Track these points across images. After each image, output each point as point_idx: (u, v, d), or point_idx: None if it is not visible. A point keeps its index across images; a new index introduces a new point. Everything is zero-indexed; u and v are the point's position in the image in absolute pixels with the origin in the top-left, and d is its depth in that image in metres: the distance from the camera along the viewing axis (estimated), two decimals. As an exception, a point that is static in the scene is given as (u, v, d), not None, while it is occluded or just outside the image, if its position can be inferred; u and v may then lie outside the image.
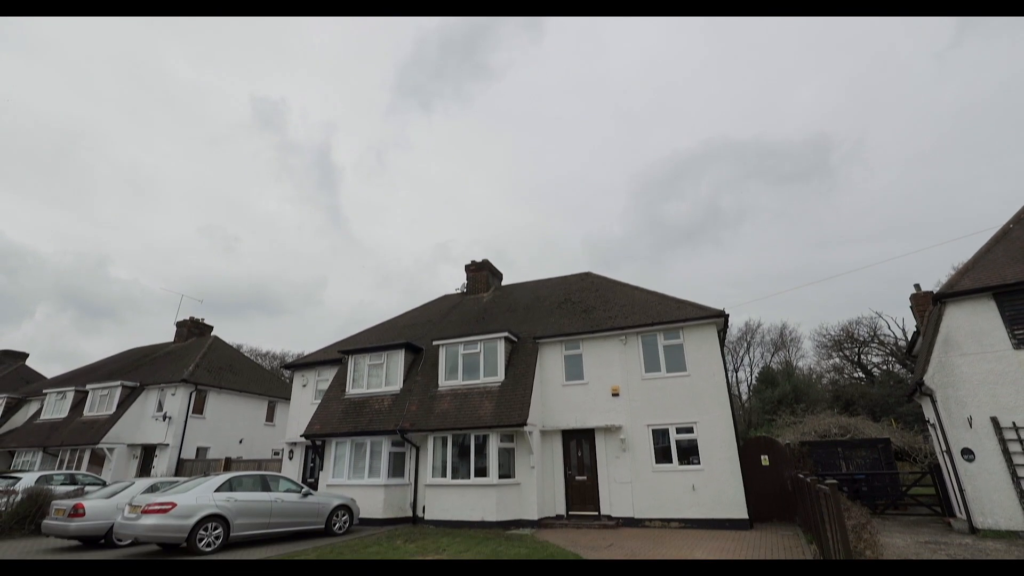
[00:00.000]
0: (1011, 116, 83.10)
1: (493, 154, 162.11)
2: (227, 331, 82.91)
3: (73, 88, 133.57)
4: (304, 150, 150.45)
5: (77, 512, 10.56)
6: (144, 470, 21.73)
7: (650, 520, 12.78)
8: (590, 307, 16.42)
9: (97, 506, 10.85)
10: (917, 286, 16.50)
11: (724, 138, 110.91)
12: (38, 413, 25.28)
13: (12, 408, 27.20)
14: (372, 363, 16.57)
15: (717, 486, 12.48)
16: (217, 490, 10.40)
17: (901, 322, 34.91)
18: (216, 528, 10.01)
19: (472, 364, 15.17)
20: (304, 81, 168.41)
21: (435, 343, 16.07)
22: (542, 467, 13.82)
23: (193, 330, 29.13)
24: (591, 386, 14.50)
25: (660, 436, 13.49)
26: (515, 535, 11.49)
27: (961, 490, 10.88)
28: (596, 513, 13.42)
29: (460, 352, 15.43)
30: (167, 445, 21.48)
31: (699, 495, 12.58)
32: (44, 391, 25.86)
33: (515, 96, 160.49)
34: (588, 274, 19.64)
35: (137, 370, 25.67)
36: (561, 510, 13.75)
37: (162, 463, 21.28)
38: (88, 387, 23.90)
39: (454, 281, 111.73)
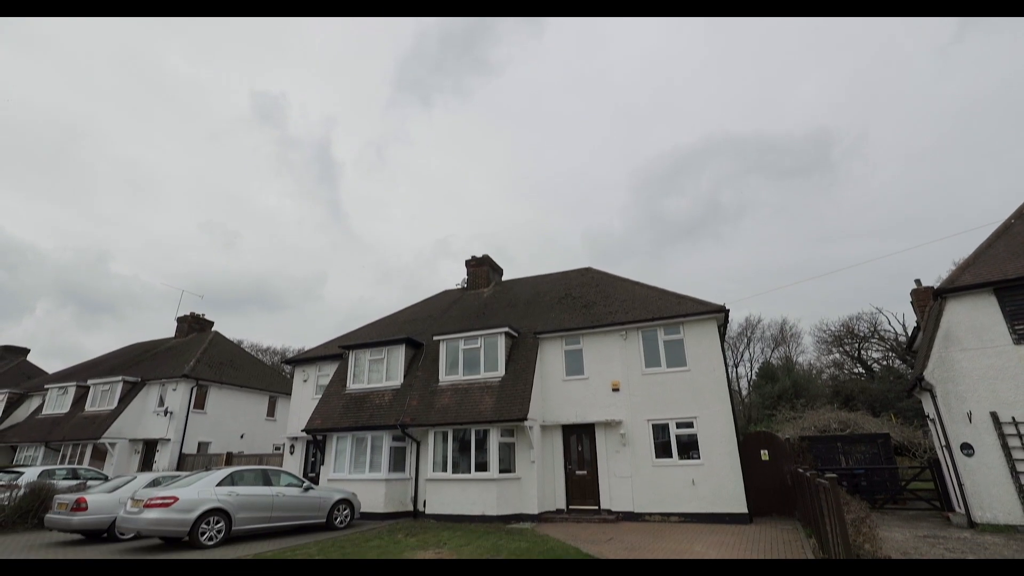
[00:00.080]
0: (1013, 112, 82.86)
1: (493, 150, 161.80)
2: (228, 327, 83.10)
3: (72, 84, 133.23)
4: (304, 145, 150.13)
5: (80, 506, 10.62)
6: (146, 465, 21.83)
7: (650, 514, 12.84)
8: (590, 302, 16.43)
9: (99, 500, 10.91)
10: (918, 281, 16.51)
11: (724, 133, 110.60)
12: (40, 408, 25.39)
13: (14, 403, 27.28)
14: (373, 358, 16.60)
15: (717, 481, 12.53)
16: (219, 484, 10.46)
17: (901, 318, 34.97)
18: (218, 522, 10.07)
19: (473, 359, 15.19)
20: (304, 75, 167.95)
21: (436, 338, 16.09)
22: (542, 462, 13.87)
23: (194, 325, 29.19)
24: (591, 381, 14.52)
25: (660, 431, 13.52)
26: (515, 529, 11.55)
27: (960, 485, 10.91)
28: (596, 507, 13.47)
29: (461, 347, 15.45)
30: (168, 440, 21.57)
31: (699, 489, 12.62)
32: (46, 386, 25.96)
33: (515, 91, 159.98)
34: (588, 269, 19.63)
35: (138, 365, 25.74)
36: (561, 504, 13.81)
37: (164, 458, 21.37)
38: (89, 382, 23.98)
39: (454, 276, 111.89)
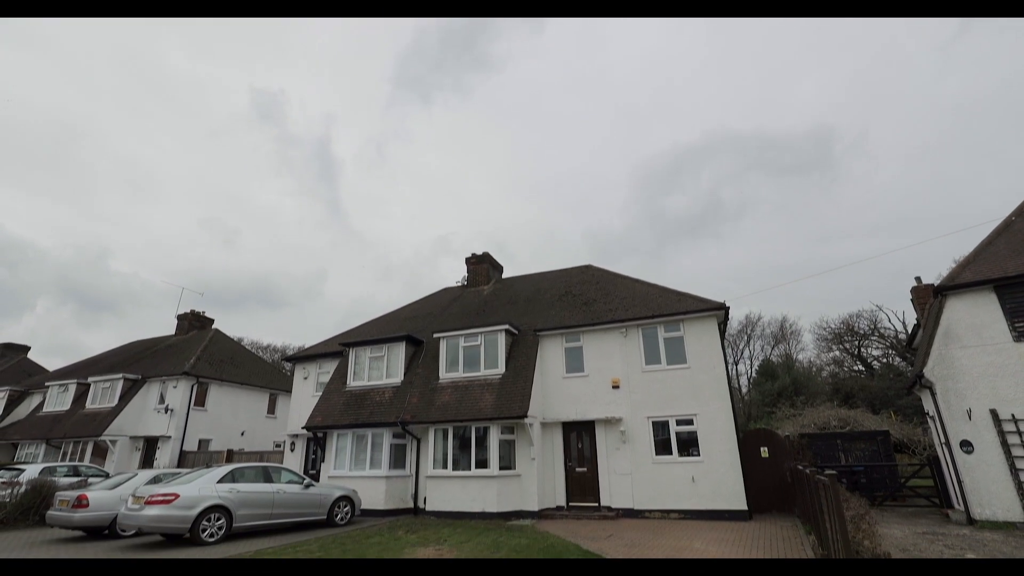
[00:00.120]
0: (1014, 110, 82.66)
1: (493, 147, 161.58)
2: (228, 324, 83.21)
3: (72, 82, 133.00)
4: (304, 143, 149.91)
5: (81, 503, 10.65)
6: (147, 462, 21.87)
7: (650, 511, 12.86)
8: (591, 300, 16.43)
9: (101, 497, 10.94)
10: (918, 279, 16.50)
11: (725, 130, 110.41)
12: (41, 406, 25.42)
13: (15, 401, 27.33)
14: (373, 355, 16.62)
15: (717, 478, 12.55)
16: (220, 481, 10.48)
17: (901, 315, 34.97)
18: (219, 519, 10.10)
19: (473, 356, 15.20)
20: (303, 73, 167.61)
21: (436, 335, 16.10)
22: (542, 459, 13.89)
23: (194, 323, 29.20)
24: (591, 378, 14.54)
25: (660, 428, 13.54)
26: (516, 526, 11.58)
27: (959, 482, 10.93)
28: (596, 504, 13.50)
29: (461, 344, 15.47)
30: (169, 437, 21.61)
31: (699, 487, 12.65)
32: (46, 384, 25.99)
33: (515, 89, 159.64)
34: (589, 267, 19.63)
35: (139, 363, 25.76)
36: (561, 501, 13.84)
37: (164, 455, 21.42)
38: (90, 380, 24.01)
39: (455, 274, 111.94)
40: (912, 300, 17.49)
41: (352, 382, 16.42)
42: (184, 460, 21.28)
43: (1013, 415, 10.63)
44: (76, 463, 18.17)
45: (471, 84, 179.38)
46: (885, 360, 36.06)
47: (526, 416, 13.13)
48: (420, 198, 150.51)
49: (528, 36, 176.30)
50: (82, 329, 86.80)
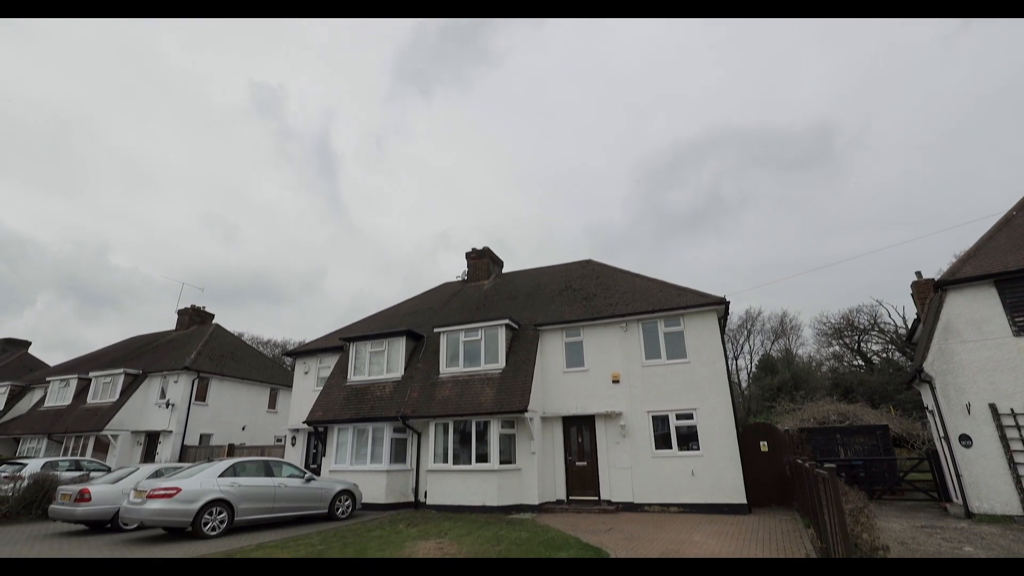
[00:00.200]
0: (1016, 103, 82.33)
1: (494, 141, 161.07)
2: (228, 319, 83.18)
3: (70, 76, 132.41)
4: (303, 137, 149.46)
5: (83, 497, 10.70)
6: (148, 456, 21.95)
7: (649, 505, 12.92)
8: (591, 294, 16.43)
9: (103, 491, 11.00)
10: (918, 273, 16.46)
11: (726, 124, 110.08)
12: (42, 400, 25.49)
13: (16, 396, 27.39)
14: (373, 350, 16.64)
15: (716, 471, 12.60)
16: (221, 475, 10.53)
17: (902, 310, 34.98)
18: (221, 512, 10.15)
19: (473, 351, 15.22)
20: (302, 66, 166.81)
21: (436, 330, 16.12)
22: (543, 453, 13.93)
23: (194, 318, 29.21)
24: (592, 373, 14.56)
25: (660, 422, 13.58)
26: (516, 519, 11.63)
27: (958, 476, 10.97)
28: (596, 498, 13.56)
29: (461, 339, 15.48)
30: (170, 432, 21.67)
31: (698, 480, 12.70)
32: (47, 379, 26.04)
33: (516, 82, 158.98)
34: (589, 261, 19.62)
35: (139, 358, 25.81)
36: (561, 495, 13.90)
37: (166, 450, 21.49)
38: (91, 375, 24.05)
39: (455, 269, 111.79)
40: (912, 295, 17.45)
41: (353, 377, 16.45)
42: (185, 455, 21.35)
43: (1012, 409, 10.65)
44: (78, 458, 18.24)
45: (471, 77, 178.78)
46: (885, 355, 36.09)
47: (526, 410, 13.16)
48: (420, 193, 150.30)
49: (529, 29, 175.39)
50: (83, 324, 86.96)
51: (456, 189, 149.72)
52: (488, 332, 15.23)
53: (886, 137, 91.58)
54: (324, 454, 15.48)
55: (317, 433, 15.80)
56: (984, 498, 10.54)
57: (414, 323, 18.24)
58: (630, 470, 13.37)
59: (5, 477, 13.87)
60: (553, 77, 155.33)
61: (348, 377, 16.50)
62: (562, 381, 14.81)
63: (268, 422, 25.92)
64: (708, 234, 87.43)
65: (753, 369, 42.07)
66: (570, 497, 13.85)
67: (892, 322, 35.68)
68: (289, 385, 22.41)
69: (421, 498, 14.32)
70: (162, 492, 9.69)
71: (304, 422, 16.04)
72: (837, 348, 39.79)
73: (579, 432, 14.33)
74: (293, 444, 18.00)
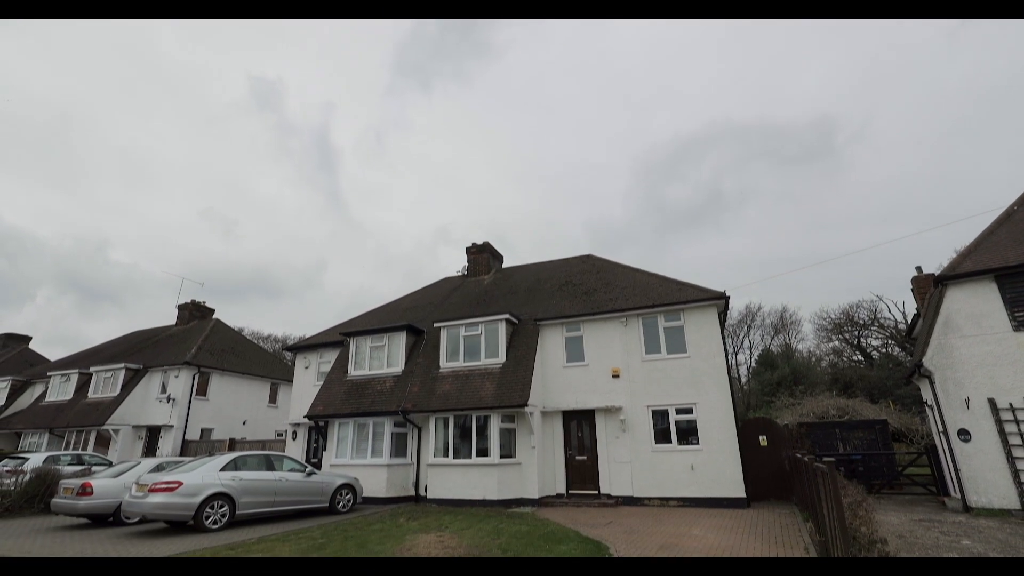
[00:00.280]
0: (1018, 99, 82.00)
1: (493, 136, 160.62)
2: (228, 314, 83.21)
3: (68, 71, 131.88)
4: (302, 131, 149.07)
5: (85, 491, 10.75)
6: (149, 451, 22.03)
7: (649, 499, 12.98)
8: (591, 289, 16.43)
9: (105, 485, 11.05)
10: (919, 268, 16.49)
11: (727, 119, 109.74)
12: (43, 395, 25.55)
13: (17, 390, 27.46)
14: (374, 345, 16.66)
15: (716, 466, 12.65)
16: (222, 469, 10.58)
17: (901, 305, 35.01)
18: (222, 506, 10.20)
19: (473, 346, 15.25)
20: (301, 60, 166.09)
21: (436, 325, 16.14)
22: (543, 447, 13.98)
23: (195, 313, 29.24)
24: (592, 367, 14.59)
25: (660, 417, 13.62)
26: (516, 513, 11.70)
27: (956, 470, 11.02)
28: (596, 492, 13.62)
29: (461, 334, 15.50)
30: (171, 426, 21.74)
31: (698, 474, 12.75)
32: (48, 374, 26.09)
33: (515, 77, 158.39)
34: (589, 256, 19.61)
35: (140, 353, 25.85)
36: (561, 489, 13.96)
37: (167, 444, 21.56)
38: (92, 369, 24.10)
39: (455, 264, 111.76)
40: (912, 290, 17.49)
41: (353, 371, 16.48)
42: (187, 449, 21.43)
43: (1011, 404, 10.68)
44: (79, 452, 18.30)
45: (471, 71, 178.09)
46: (884, 350, 36.14)
47: (526, 405, 13.20)
48: (420, 187, 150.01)
49: (529, 24, 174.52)
50: (83, 319, 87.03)
51: (456, 184, 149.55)
52: (488, 327, 15.25)
53: (887, 132, 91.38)
54: (325, 448, 15.54)
55: (318, 427, 15.84)
56: (982, 492, 10.58)
57: (414, 318, 18.26)
58: (630, 464, 13.42)
59: (7, 471, 13.93)
60: (553, 71, 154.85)
61: (348, 372, 16.53)
62: (562, 376, 14.84)
63: (269, 417, 26.00)
64: (708, 229, 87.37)
65: (753, 364, 42.14)
66: (570, 491, 13.91)
67: (892, 317, 35.75)
68: (290, 380, 22.45)
69: (422, 492, 14.39)
70: (164, 486, 9.73)
71: (305, 416, 16.09)
72: (837, 343, 39.86)
73: (579, 426, 14.38)
74: (294, 438, 18.06)
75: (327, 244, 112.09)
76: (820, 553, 6.69)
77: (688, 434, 13.23)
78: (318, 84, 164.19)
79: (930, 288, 14.97)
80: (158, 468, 11.83)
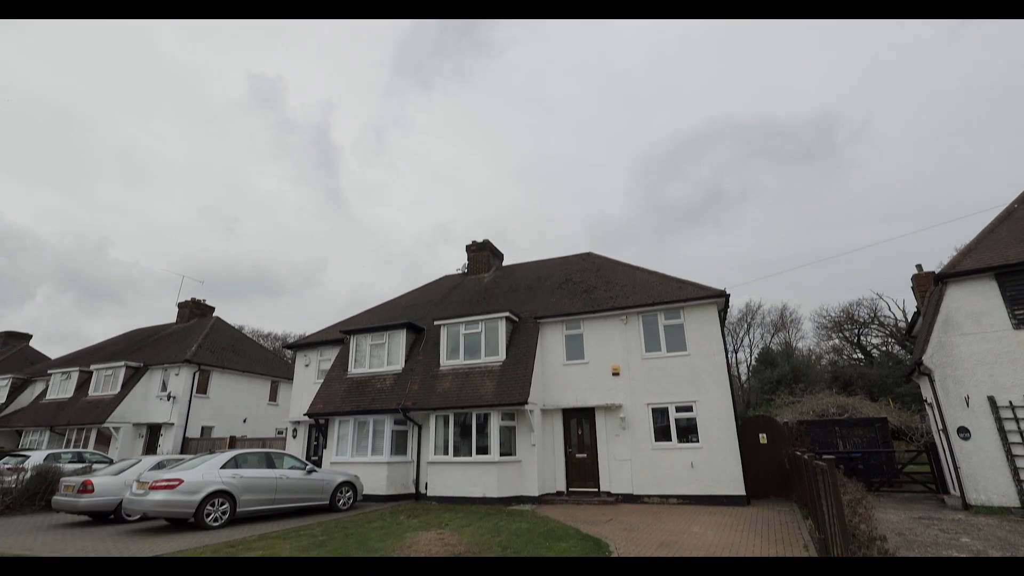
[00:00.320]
0: (1020, 98, 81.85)
1: (493, 135, 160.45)
2: (228, 312, 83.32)
3: (68, 70, 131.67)
4: (302, 129, 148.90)
5: (86, 488, 10.77)
6: (150, 449, 22.06)
7: (649, 496, 13.00)
8: (591, 287, 16.43)
9: (106, 483, 11.06)
10: (919, 266, 16.48)
11: (728, 117, 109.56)
12: (44, 393, 25.58)
13: (18, 388, 27.49)
14: (374, 343, 16.67)
15: (715, 464, 12.66)
16: (223, 467, 10.59)
17: (902, 303, 35.01)
18: (223, 504, 10.21)
19: (473, 344, 15.25)
20: (301, 58, 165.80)
21: (436, 323, 16.14)
22: (543, 445, 14.00)
23: (195, 311, 29.24)
24: (592, 365, 14.60)
25: (660, 415, 13.63)
26: (516, 511, 11.71)
27: (956, 468, 11.03)
28: (596, 490, 13.64)
29: (461, 332, 15.51)
30: (172, 424, 21.77)
31: (697, 472, 12.76)
32: (49, 371, 26.11)
33: (515, 75, 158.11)
34: (589, 254, 19.60)
35: (140, 351, 25.86)
36: (561, 487, 13.98)
37: (167, 442, 21.59)
38: (92, 367, 24.12)
39: (455, 262, 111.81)
40: (912, 288, 17.48)
41: (353, 369, 16.49)
42: (187, 447, 21.45)
43: (1011, 402, 10.68)
44: (80, 450, 18.33)
45: (471, 69, 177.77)
46: (884, 348, 36.16)
47: (526, 403, 13.21)
48: (420, 186, 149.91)
49: (529, 21, 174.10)
50: (83, 317, 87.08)
51: (456, 182, 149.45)
52: (488, 325, 15.25)
53: (888, 131, 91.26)
54: (325, 446, 15.56)
55: (318, 425, 15.86)
56: (981, 490, 10.60)
57: (414, 316, 18.26)
58: (630, 462, 13.44)
59: (8, 469, 13.96)
60: (553, 69, 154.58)
61: (349, 370, 16.54)
62: (562, 374, 14.85)
63: (269, 414, 26.03)
64: (709, 227, 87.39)
65: (753, 362, 42.17)
66: (570, 489, 13.93)
67: (892, 315, 35.76)
68: (290, 378, 22.46)
69: (422, 490, 14.41)
70: (164, 483, 9.75)
71: (305, 414, 16.10)
72: (837, 341, 39.88)
73: (579, 424, 14.39)
74: (294, 436, 18.08)
75: (327, 242, 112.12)
76: (820, 550, 6.71)
77: (688, 432, 13.25)
78: (318, 82, 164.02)
79: (930, 286, 14.96)
80: (159, 466, 11.85)
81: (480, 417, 13.72)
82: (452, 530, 9.21)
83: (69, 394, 24.21)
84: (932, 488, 13.38)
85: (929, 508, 11.19)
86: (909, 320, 21.81)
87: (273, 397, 26.69)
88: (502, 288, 19.04)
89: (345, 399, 15.55)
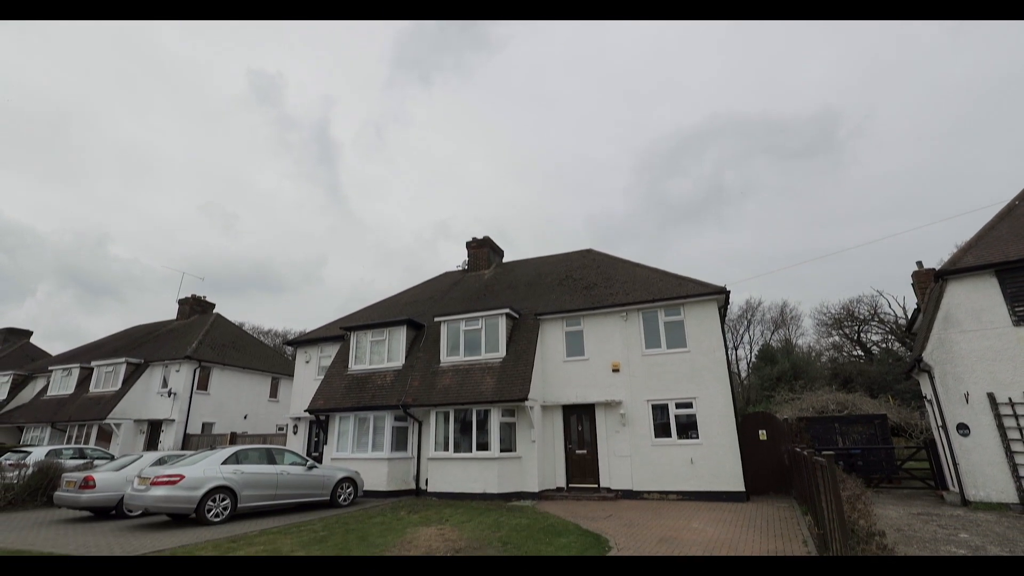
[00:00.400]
0: (1021, 94, 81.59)
1: (494, 130, 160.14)
2: (229, 309, 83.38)
3: (68, 66, 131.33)
4: (302, 125, 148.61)
5: (88, 484, 10.81)
6: (151, 445, 22.11)
7: (648, 492, 13.04)
8: (591, 284, 16.43)
9: (107, 478, 11.10)
10: (919, 263, 16.45)
11: (729, 113, 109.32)
12: (45, 389, 25.62)
13: (19, 385, 27.53)
14: (374, 339, 16.68)
15: (715, 460, 12.69)
16: (224, 463, 10.62)
17: (902, 300, 34.97)
18: (224, 499, 10.25)
19: (474, 340, 15.27)
20: (301, 54, 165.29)
21: (437, 319, 16.15)
22: (543, 441, 14.03)
23: (195, 308, 29.25)
24: (592, 362, 14.61)
25: (660, 411, 13.65)
26: (516, 507, 11.75)
27: (955, 464, 11.05)
28: (596, 486, 13.68)
29: (462, 328, 15.52)
30: (173, 420, 21.81)
31: (697, 468, 12.79)
32: (50, 368, 26.15)
33: (516, 70, 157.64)
34: (590, 251, 19.60)
35: (141, 347, 25.89)
36: (561, 483, 14.02)
37: (168, 438, 21.64)
38: (93, 364, 24.15)
39: (455, 258, 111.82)
40: (913, 284, 17.45)
41: (354, 366, 16.51)
42: (188, 443, 21.50)
43: (1010, 399, 10.70)
44: (81, 446, 18.40)
45: (472, 64, 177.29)
46: (884, 345, 36.17)
47: (527, 399, 13.23)
48: (420, 182, 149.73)
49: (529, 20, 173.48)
50: (83, 314, 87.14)
51: (456, 178, 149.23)
52: (489, 321, 15.26)
53: (889, 127, 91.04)
54: (326, 442, 15.59)
55: (319, 421, 15.90)
56: (980, 486, 10.63)
57: (415, 312, 18.27)
58: (629, 458, 13.47)
59: (10, 465, 14.00)
60: (554, 65, 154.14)
61: (349, 366, 16.56)
62: (562, 370, 14.86)
63: (270, 411, 26.07)
64: (709, 224, 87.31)
65: (753, 359, 42.19)
66: (570, 485, 13.97)
67: (892, 312, 35.74)
68: (290, 374, 22.50)
69: (422, 485, 14.45)
70: (166, 479, 9.78)
71: (306, 411, 16.14)
72: (837, 338, 39.88)
73: (579, 421, 14.42)
74: (295, 432, 18.13)
75: (327, 239, 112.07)
76: (818, 546, 6.73)
77: (688, 428, 13.27)
78: (318, 78, 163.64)
79: (930, 283, 14.94)
80: (160, 462, 11.87)
81: (480, 413, 13.74)
82: (452, 526, 9.25)
83: (70, 390, 24.25)
84: (931, 484, 13.41)
85: (928, 504, 11.22)
86: (909, 317, 21.80)
87: (274, 393, 26.73)
88: (502, 285, 19.04)
89: (346, 395, 15.58)
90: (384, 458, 14.40)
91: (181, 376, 22.59)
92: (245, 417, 24.71)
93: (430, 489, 13.80)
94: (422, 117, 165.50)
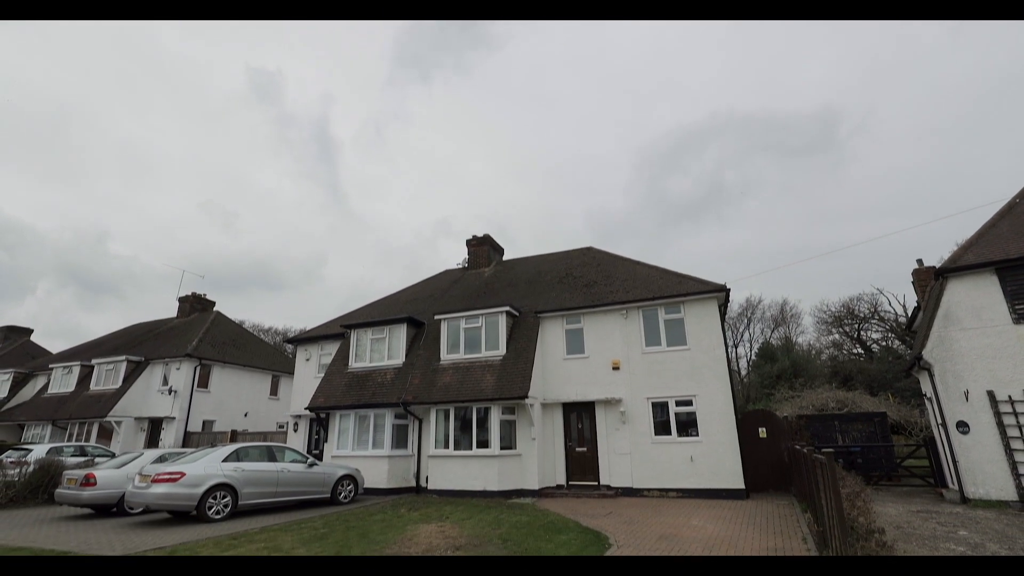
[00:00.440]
0: (1022, 94, 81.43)
1: (494, 129, 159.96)
2: (229, 307, 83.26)
3: (68, 64, 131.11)
4: (302, 123, 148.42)
5: (89, 481, 10.83)
6: (151, 442, 22.14)
7: (648, 490, 13.06)
8: (591, 281, 16.43)
9: (108, 476, 11.13)
10: (920, 261, 16.44)
11: (730, 110, 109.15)
12: (45, 387, 25.66)
13: (20, 382, 27.56)
14: (375, 337, 16.69)
15: (715, 457, 12.71)
16: (225, 460, 10.64)
17: (902, 298, 34.97)
18: (225, 497, 10.27)
19: (474, 338, 15.28)
20: (301, 51, 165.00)
21: (437, 317, 16.16)
22: (543, 439, 14.05)
23: (195, 306, 29.26)
24: (592, 360, 14.62)
25: (660, 409, 13.67)
26: (516, 504, 11.78)
27: (955, 462, 11.07)
28: (596, 483, 13.70)
29: (462, 326, 15.52)
30: (173, 418, 21.84)
31: (697, 466, 12.81)
32: (51, 366, 26.18)
33: (516, 69, 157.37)
34: (590, 249, 19.59)
35: (141, 345, 25.91)
36: (561, 480, 14.04)
37: (169, 436, 21.67)
38: (94, 362, 24.18)
39: (455, 256, 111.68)
40: (913, 282, 17.45)
41: (354, 363, 16.53)
42: (188, 441, 21.54)
43: (1010, 396, 10.71)
44: (82, 443, 18.40)
45: (471, 62, 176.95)
46: (884, 343, 36.18)
47: (527, 397, 13.25)
48: (420, 180, 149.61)
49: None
50: (84, 312, 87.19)
51: (456, 177, 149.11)
52: (489, 319, 15.27)
53: (890, 125, 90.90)
54: (326, 440, 15.62)
55: (319, 419, 15.92)
56: (980, 484, 10.65)
57: (415, 310, 18.27)
58: (629, 456, 13.49)
59: (11, 462, 14.02)
60: (554, 63, 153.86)
61: (349, 364, 16.58)
62: (562, 368, 14.88)
63: (270, 408, 26.11)
64: (710, 222, 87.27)
65: (753, 357, 42.21)
66: (570, 482, 13.99)
67: (892, 310, 35.75)
68: (291, 372, 22.51)
69: (422, 483, 14.48)
70: (167, 476, 9.80)
71: (306, 408, 16.16)
72: (837, 336, 39.90)
73: (579, 418, 14.44)
74: (295, 430, 18.15)
75: (327, 237, 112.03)
76: (818, 543, 6.75)
77: (688, 426, 13.29)
78: (317, 76, 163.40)
79: (931, 281, 14.94)
80: (161, 459, 11.90)
81: (480, 411, 13.76)
82: (453, 523, 9.27)
83: (71, 388, 24.28)
84: (931, 482, 13.44)
85: (927, 502, 11.24)
86: (909, 315, 21.80)
87: (274, 391, 26.76)
88: (502, 283, 19.04)
89: (346, 393, 15.60)
90: (384, 456, 14.43)
91: (181, 374, 22.61)
92: (245, 415, 24.74)
93: (430, 487, 13.82)
94: (422, 115, 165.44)
